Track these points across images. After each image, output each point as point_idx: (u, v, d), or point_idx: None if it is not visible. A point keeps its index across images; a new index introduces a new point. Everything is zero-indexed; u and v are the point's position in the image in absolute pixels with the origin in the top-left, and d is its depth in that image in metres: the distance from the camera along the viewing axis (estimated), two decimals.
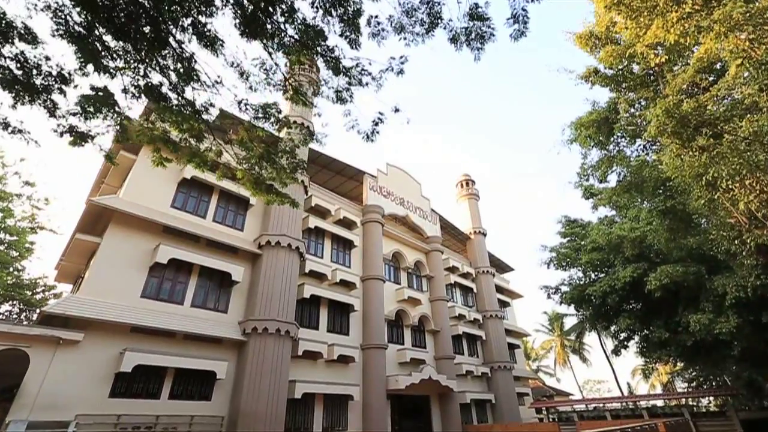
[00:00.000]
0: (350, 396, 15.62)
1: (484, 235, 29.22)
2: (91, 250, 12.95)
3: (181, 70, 4.32)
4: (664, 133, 6.42)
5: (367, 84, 5.79)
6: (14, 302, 23.69)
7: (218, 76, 5.05)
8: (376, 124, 6.60)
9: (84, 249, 13.04)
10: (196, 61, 4.44)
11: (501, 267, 33.54)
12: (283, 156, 6.71)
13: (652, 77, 9.16)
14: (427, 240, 24.75)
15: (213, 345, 12.94)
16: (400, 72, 5.81)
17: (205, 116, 5.26)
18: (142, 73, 4.25)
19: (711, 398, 21.75)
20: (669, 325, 13.35)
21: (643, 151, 10.63)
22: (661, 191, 10.41)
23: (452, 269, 25.86)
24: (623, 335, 16.59)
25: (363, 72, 5.58)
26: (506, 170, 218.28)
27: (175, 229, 13.20)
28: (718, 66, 8.19)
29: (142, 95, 4.46)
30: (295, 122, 7.18)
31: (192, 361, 11.78)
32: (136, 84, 4.36)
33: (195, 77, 4.49)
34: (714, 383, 22.64)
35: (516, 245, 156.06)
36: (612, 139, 10.48)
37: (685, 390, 25.41)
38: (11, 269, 20.88)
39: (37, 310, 20.92)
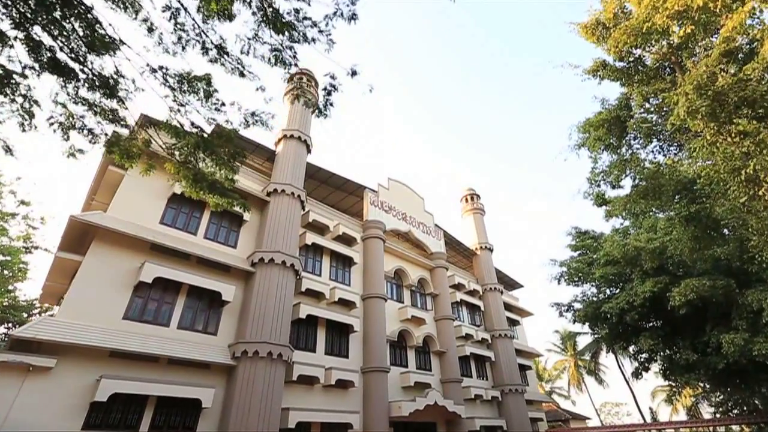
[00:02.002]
0: (349, 424, 14.48)
1: (491, 250, 28.23)
2: (74, 270, 12.30)
3: (82, 31, 3.60)
4: (696, 115, 5.47)
5: (313, 40, 4.75)
6: (9, 325, 23.15)
7: (112, 25, 4.04)
8: (329, 93, 5.50)
9: (66, 268, 12.42)
10: (97, 20, 3.71)
11: (509, 284, 32.31)
12: (220, 140, 5.77)
13: (667, 69, 8.39)
14: (431, 256, 23.85)
15: (200, 370, 12.07)
16: (353, 18, 4.80)
17: (120, 93, 4.47)
18: (34, 37, 3.53)
19: (743, 426, 20.02)
20: (696, 345, 12.09)
21: (659, 153, 9.75)
22: (678, 197, 9.44)
23: (458, 286, 24.81)
24: (644, 356, 15.22)
25: (304, 20, 4.67)
26: (508, 185, 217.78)
27: (162, 246, 12.57)
28: (740, 56, 7.43)
29: (44, 68, 3.74)
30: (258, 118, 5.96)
31: (175, 389, 10.88)
32: (32, 54, 3.61)
33: (98, 39, 3.75)
34: (744, 408, 20.93)
35: (524, 261, 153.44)
36: (624, 140, 9.63)
37: (713, 415, 23.57)
38: (2, 290, 20.35)
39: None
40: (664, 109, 7.68)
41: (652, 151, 9.80)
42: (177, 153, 5.44)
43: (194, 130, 5.22)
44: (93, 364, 10.23)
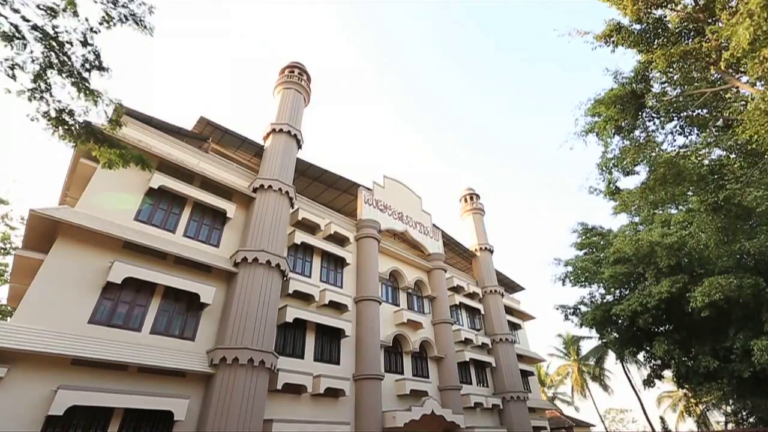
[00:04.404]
0: None
1: (491, 251, 27.25)
2: (37, 269, 11.36)
3: None
4: (765, 43, 4.43)
5: None
6: None
7: None
8: None
9: (31, 268, 11.39)
10: None
11: (510, 286, 31.30)
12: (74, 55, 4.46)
13: (692, 33, 7.37)
14: (429, 257, 22.87)
15: (175, 379, 11.08)
16: None
17: None
18: None
19: None
20: (717, 351, 11.00)
21: (678, 134, 8.67)
22: (704, 183, 8.35)
23: (457, 289, 23.81)
24: (657, 363, 14.08)
25: None
26: (510, 185, 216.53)
27: (136, 244, 11.64)
28: None
29: None
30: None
31: (144, 400, 9.86)
32: None
33: None
34: (759, 416, 19.82)
35: (525, 263, 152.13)
36: (639, 120, 8.61)
37: (724, 425, 22.42)
38: None
39: None
40: (689, 77, 6.71)
41: (671, 132, 8.79)
42: (21, 72, 4.27)
43: (44, 39, 3.98)
44: (52, 373, 9.25)
